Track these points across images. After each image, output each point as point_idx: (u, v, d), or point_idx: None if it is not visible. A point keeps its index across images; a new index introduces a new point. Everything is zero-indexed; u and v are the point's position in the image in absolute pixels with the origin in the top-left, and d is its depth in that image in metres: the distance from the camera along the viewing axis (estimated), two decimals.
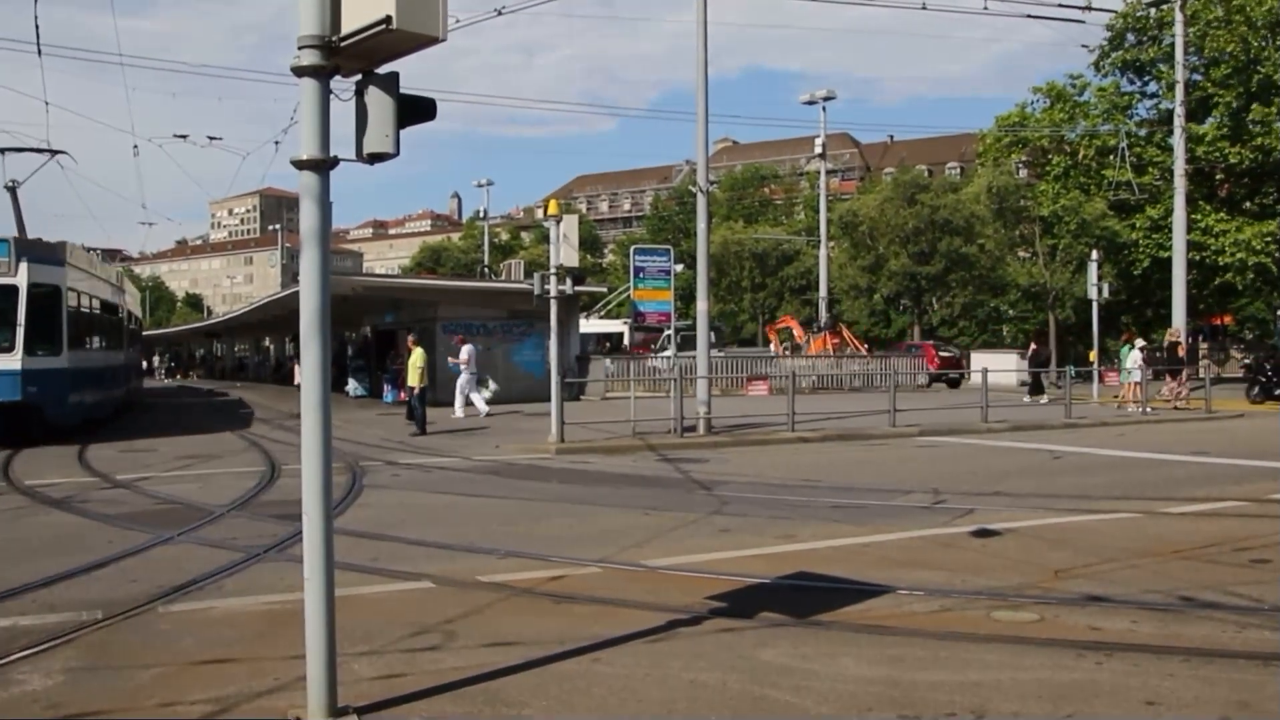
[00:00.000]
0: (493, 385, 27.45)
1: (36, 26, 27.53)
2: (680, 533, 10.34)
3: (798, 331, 47.89)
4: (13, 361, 19.82)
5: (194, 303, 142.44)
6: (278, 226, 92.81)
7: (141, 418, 29.17)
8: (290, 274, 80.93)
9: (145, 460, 17.65)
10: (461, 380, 25.98)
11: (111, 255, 39.93)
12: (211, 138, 25.73)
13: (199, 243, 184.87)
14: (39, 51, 20.78)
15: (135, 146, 36.41)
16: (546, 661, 6.06)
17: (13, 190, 24.60)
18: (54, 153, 24.39)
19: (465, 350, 26.29)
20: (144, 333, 51.03)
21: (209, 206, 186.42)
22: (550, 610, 7.35)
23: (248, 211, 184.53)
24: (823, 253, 47.69)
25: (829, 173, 50.93)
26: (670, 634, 6.62)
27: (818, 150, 46.97)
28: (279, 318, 47.12)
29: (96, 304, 25.13)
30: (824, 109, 46.21)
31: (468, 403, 26.10)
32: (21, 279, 19.87)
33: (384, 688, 5.62)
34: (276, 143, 38.69)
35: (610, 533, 10.29)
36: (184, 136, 26.13)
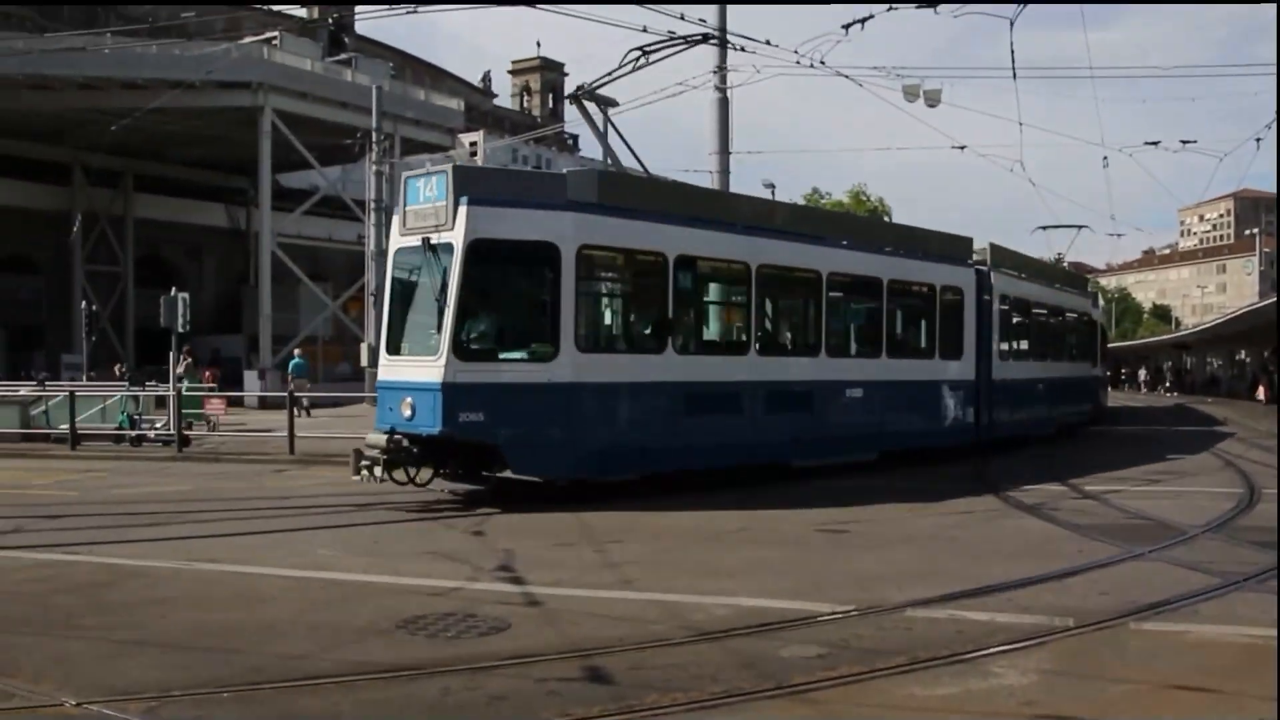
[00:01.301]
0: None
1: (1012, 52, 29.38)
2: None
3: None
4: (431, 370, 12.63)
5: (1161, 314, 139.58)
6: (1255, 231, 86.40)
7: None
8: (1268, 282, 74.89)
9: (1117, 475, 17.59)
10: None
11: (1080, 268, 39.42)
12: (1184, 141, 24.76)
13: (1166, 251, 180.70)
14: (1014, 75, 21.93)
15: (1105, 158, 36.63)
16: None
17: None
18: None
19: None
20: (1110, 345, 50.91)
21: (1177, 214, 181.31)
22: None
23: (1220, 216, 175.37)
24: None
25: None
26: None
27: None
28: (1257, 329, 43.86)
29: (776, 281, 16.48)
30: None
31: None
32: (458, 235, 12.61)
33: None
34: (1257, 140, 35.87)
35: None
36: (1155, 143, 25.54)
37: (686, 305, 14.98)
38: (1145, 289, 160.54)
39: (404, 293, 13.75)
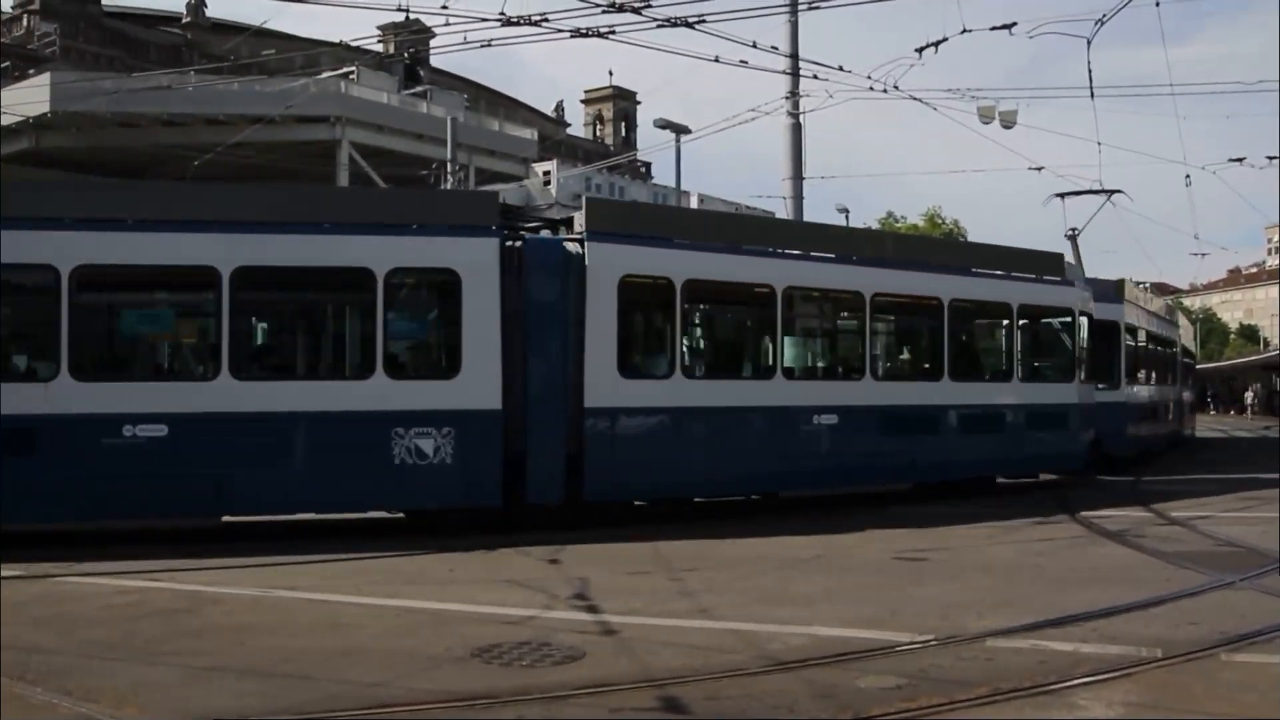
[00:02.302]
0: None
1: (1089, 72, 28.98)
2: None
3: None
4: None
5: (1248, 334, 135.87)
6: None
7: None
8: None
9: (1205, 501, 17.08)
10: None
11: (1163, 289, 38.28)
12: (1270, 157, 24.17)
13: (1253, 270, 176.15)
14: (1091, 95, 21.56)
15: (1187, 176, 35.31)
16: None
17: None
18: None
19: None
20: (1196, 367, 49.41)
21: (1263, 231, 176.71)
22: None
23: None
24: None
25: None
26: None
27: None
28: None
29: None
30: None
31: None
32: None
33: None
34: None
35: None
36: (1239, 159, 24.99)
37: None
38: (1231, 309, 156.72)
39: None
